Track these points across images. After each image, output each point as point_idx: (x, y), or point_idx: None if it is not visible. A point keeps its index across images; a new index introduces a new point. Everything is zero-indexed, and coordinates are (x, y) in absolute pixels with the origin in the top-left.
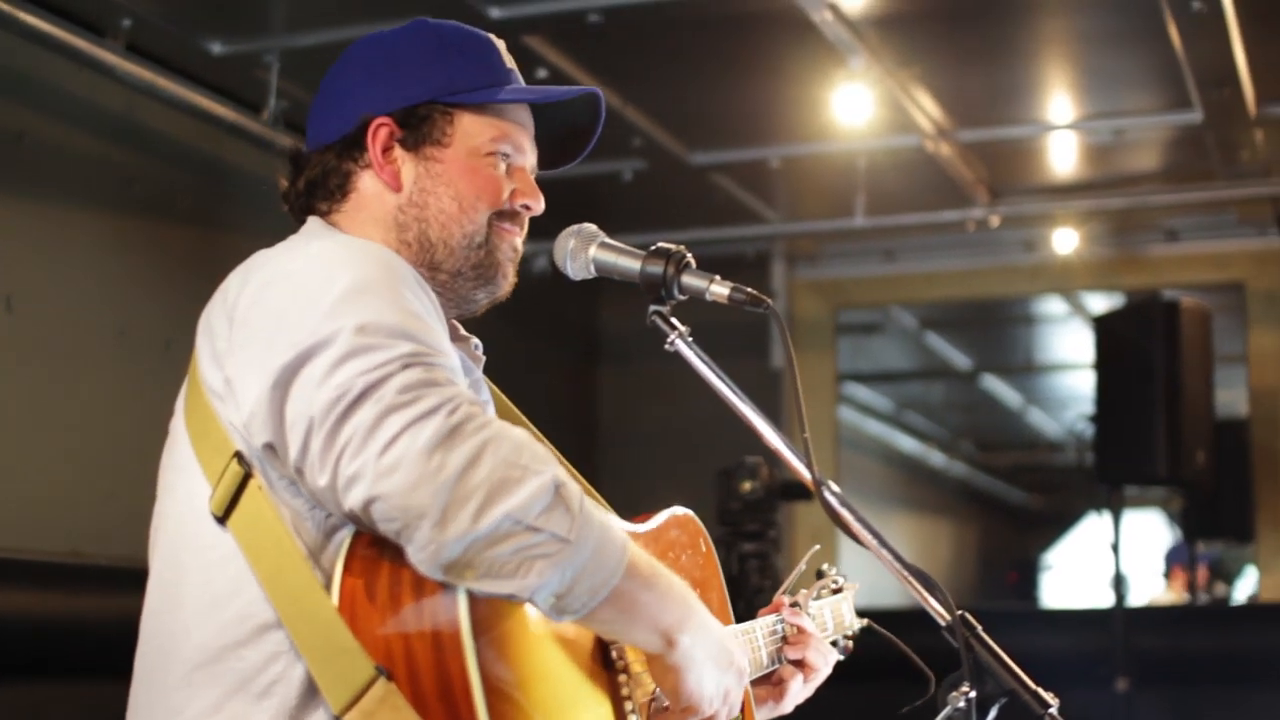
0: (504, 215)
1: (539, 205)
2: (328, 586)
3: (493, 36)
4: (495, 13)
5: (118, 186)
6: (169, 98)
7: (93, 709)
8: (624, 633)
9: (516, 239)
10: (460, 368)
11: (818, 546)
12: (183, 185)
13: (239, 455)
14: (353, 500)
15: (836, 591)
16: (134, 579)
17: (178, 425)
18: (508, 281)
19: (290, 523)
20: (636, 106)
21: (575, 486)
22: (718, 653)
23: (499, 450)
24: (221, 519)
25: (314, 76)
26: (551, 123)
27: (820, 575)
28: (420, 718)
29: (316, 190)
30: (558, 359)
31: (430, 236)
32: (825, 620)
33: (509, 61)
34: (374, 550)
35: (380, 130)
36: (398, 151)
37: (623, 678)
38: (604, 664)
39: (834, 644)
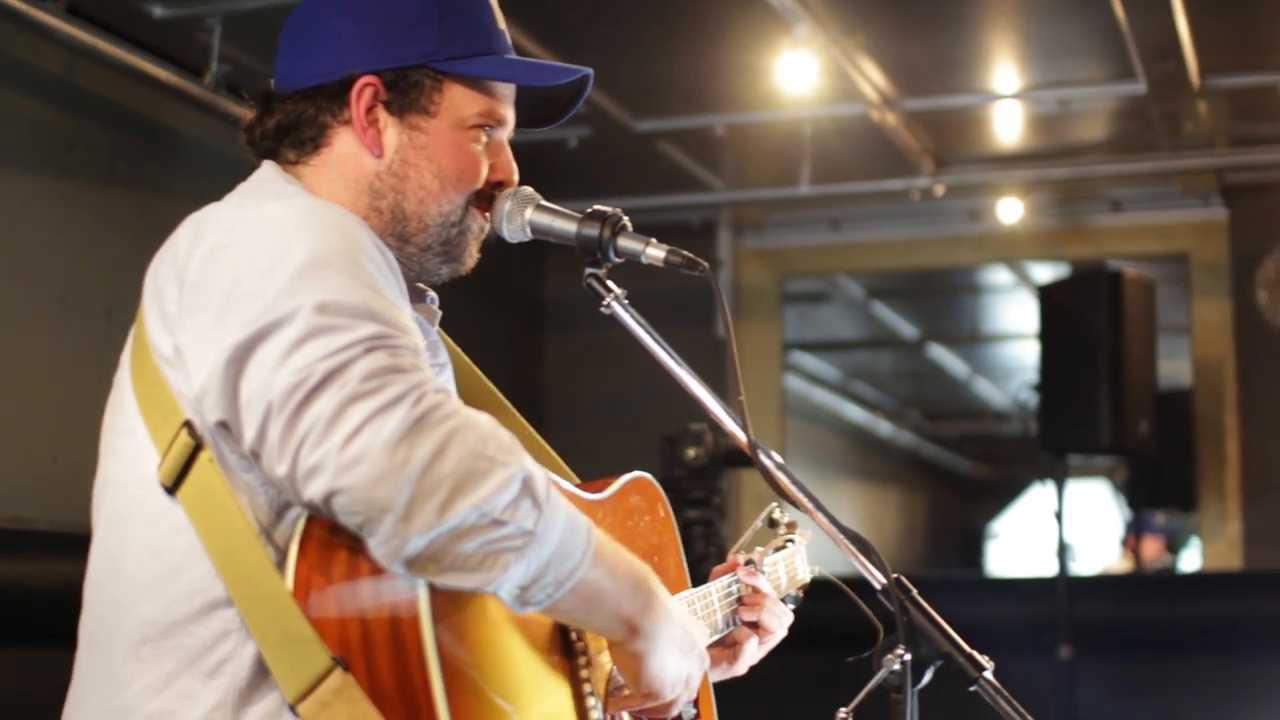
0: (480, 195)
1: (514, 182)
2: (280, 565)
3: None
4: None
5: (57, 150)
6: (110, 61)
7: (35, 674)
8: (586, 620)
9: (484, 220)
10: (423, 344)
11: (775, 504)
12: (124, 149)
13: (189, 425)
14: (313, 492)
15: (789, 542)
16: (76, 544)
17: (123, 383)
18: (472, 260)
19: (243, 499)
20: None
21: (542, 476)
22: (680, 637)
23: (465, 441)
24: (170, 489)
25: (256, 40)
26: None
27: (773, 524)
28: (377, 709)
29: (286, 136)
30: (503, 326)
31: (405, 209)
32: (779, 576)
33: (500, 19)
34: (329, 534)
35: (366, 90)
36: (381, 114)
37: (582, 660)
38: (563, 649)
39: (785, 599)
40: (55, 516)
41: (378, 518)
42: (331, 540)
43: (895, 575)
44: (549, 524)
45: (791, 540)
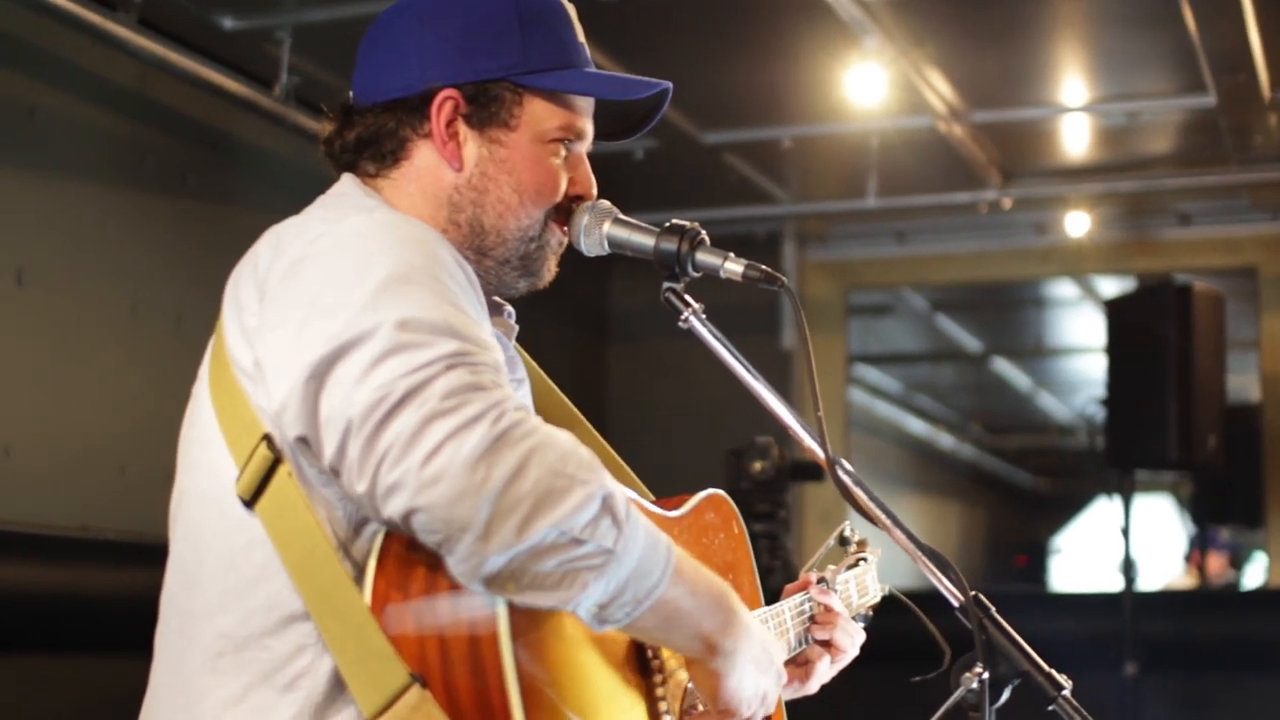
0: (558, 209)
1: (593, 195)
2: (358, 580)
3: (565, 1)
4: None
5: (129, 161)
6: (181, 72)
7: (102, 683)
8: (665, 638)
9: (562, 234)
10: (503, 360)
11: (847, 523)
12: (194, 160)
13: (268, 439)
14: (392, 510)
15: (861, 560)
16: (143, 554)
17: (201, 395)
18: (550, 274)
19: (321, 513)
20: None
21: (622, 494)
22: (758, 655)
23: (544, 459)
24: (249, 503)
25: (326, 52)
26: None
27: (844, 542)
28: None
29: (366, 149)
30: (568, 337)
31: (484, 223)
32: (850, 594)
33: (579, 33)
34: (407, 550)
35: (447, 103)
36: (461, 127)
37: (658, 678)
38: (639, 666)
39: (856, 617)
40: (123, 526)
41: (457, 536)
42: (409, 556)
43: (973, 592)
44: (628, 542)
45: (864, 558)
